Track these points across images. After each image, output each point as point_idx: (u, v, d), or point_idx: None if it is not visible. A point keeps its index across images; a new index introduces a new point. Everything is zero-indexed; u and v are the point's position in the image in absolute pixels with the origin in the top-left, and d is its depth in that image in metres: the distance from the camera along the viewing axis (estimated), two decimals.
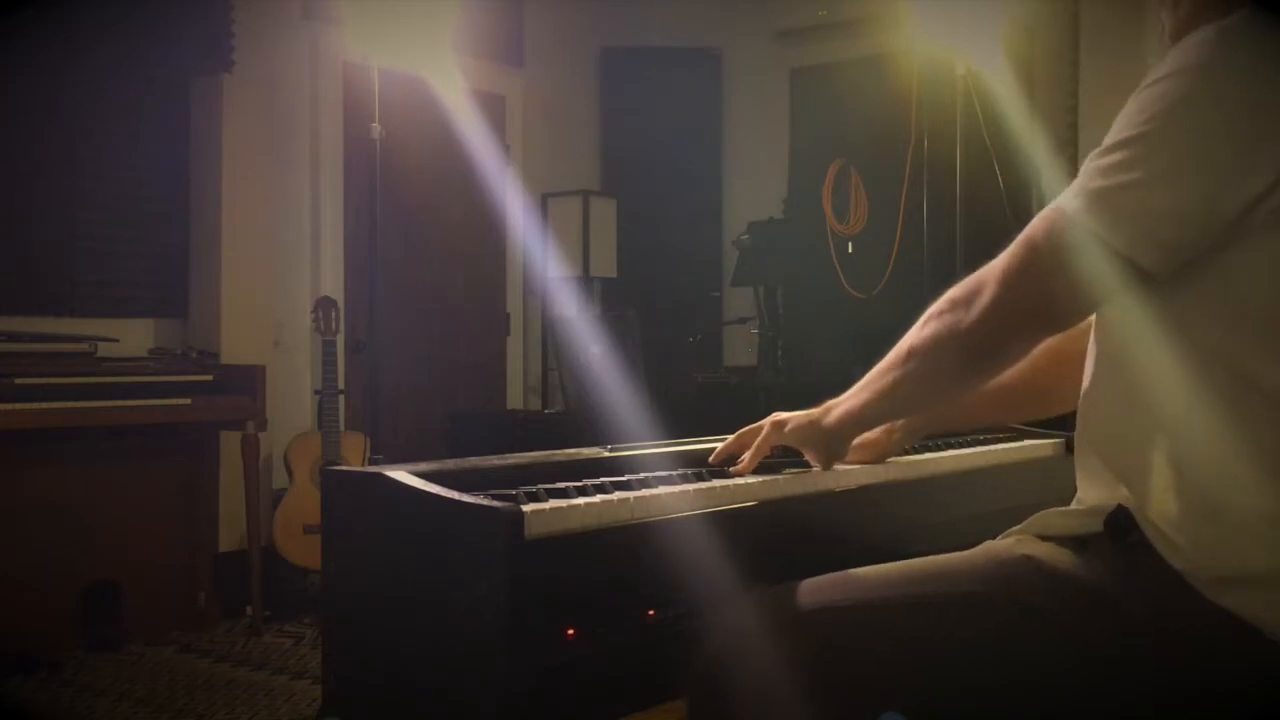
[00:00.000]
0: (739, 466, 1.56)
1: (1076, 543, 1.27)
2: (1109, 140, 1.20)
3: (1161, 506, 1.20)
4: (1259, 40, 1.18)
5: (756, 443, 1.57)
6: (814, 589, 1.35)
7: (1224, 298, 1.17)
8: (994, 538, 1.37)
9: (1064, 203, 1.21)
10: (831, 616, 1.31)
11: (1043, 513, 1.33)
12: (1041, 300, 1.23)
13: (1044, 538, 1.30)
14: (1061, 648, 1.22)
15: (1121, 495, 1.24)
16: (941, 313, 1.30)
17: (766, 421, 1.57)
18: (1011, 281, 1.23)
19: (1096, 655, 1.20)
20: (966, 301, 1.27)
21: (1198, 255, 1.16)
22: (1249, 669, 1.16)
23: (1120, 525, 1.23)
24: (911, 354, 1.34)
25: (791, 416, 1.55)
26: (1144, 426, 1.23)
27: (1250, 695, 1.17)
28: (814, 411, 1.53)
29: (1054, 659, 1.22)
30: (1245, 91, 1.15)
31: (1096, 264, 1.17)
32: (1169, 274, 1.17)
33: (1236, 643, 1.16)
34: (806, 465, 1.59)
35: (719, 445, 1.63)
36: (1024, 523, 1.34)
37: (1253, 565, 1.15)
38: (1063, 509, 1.31)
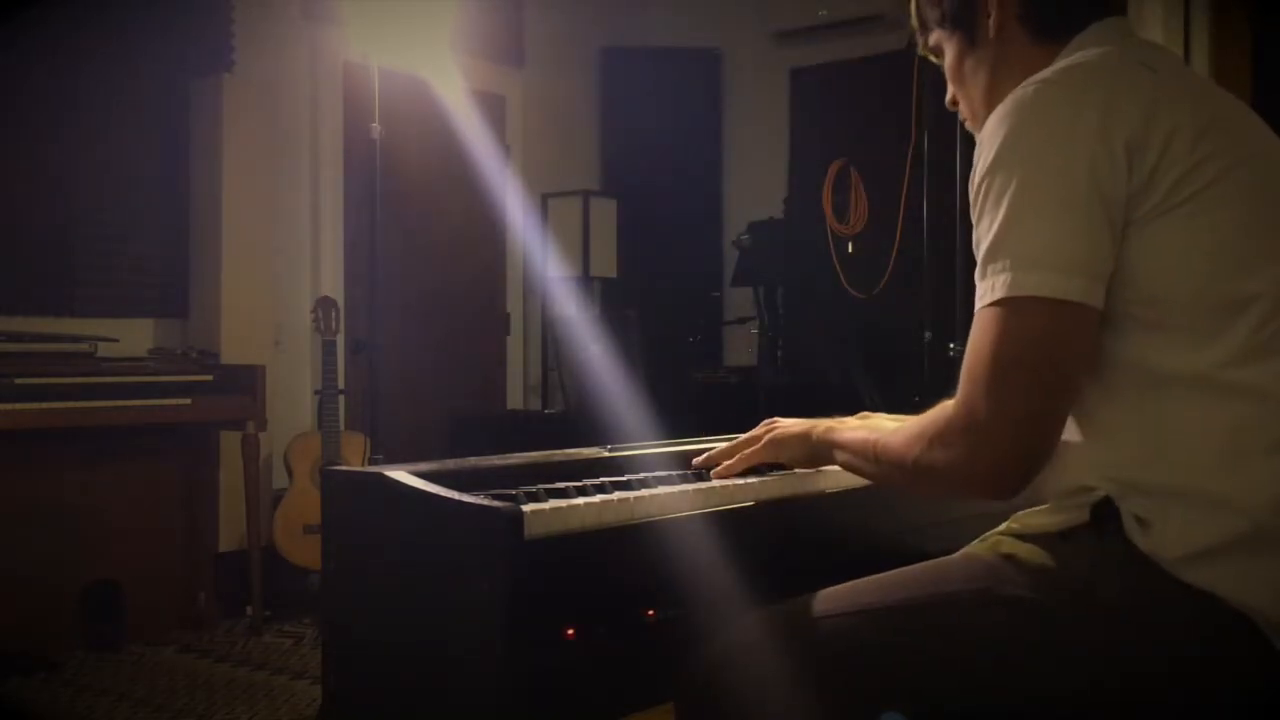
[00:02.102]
0: (719, 469, 1.58)
1: (1055, 538, 1.29)
2: (985, 239, 1.25)
3: (1131, 495, 1.23)
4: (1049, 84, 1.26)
5: (746, 452, 1.59)
6: (808, 601, 1.36)
7: (1131, 298, 1.22)
8: None
9: (985, 300, 1.23)
10: (828, 625, 1.32)
11: (1018, 513, 1.35)
12: (1042, 398, 1.22)
13: (1023, 537, 1.31)
14: (1048, 641, 1.24)
15: (1094, 493, 1.26)
16: (939, 445, 1.27)
17: (764, 439, 1.59)
18: (1008, 399, 1.21)
19: (1083, 645, 1.22)
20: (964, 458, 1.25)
21: (1108, 263, 1.21)
22: (1226, 647, 1.19)
23: (1104, 513, 1.25)
24: (900, 468, 1.35)
25: (786, 435, 1.57)
26: (1104, 433, 1.27)
27: (1230, 674, 1.20)
28: (813, 428, 1.55)
29: (1043, 652, 1.24)
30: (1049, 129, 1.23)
31: (1057, 324, 1.19)
32: (1101, 298, 1.21)
33: (1212, 622, 1.18)
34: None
35: (716, 446, 1.63)
36: (1002, 524, 1.36)
37: (1216, 539, 1.18)
38: (1034, 509, 1.33)
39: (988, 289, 1.22)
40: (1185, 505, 1.20)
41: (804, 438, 1.54)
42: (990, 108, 1.32)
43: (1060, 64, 1.31)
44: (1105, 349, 1.24)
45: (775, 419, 1.62)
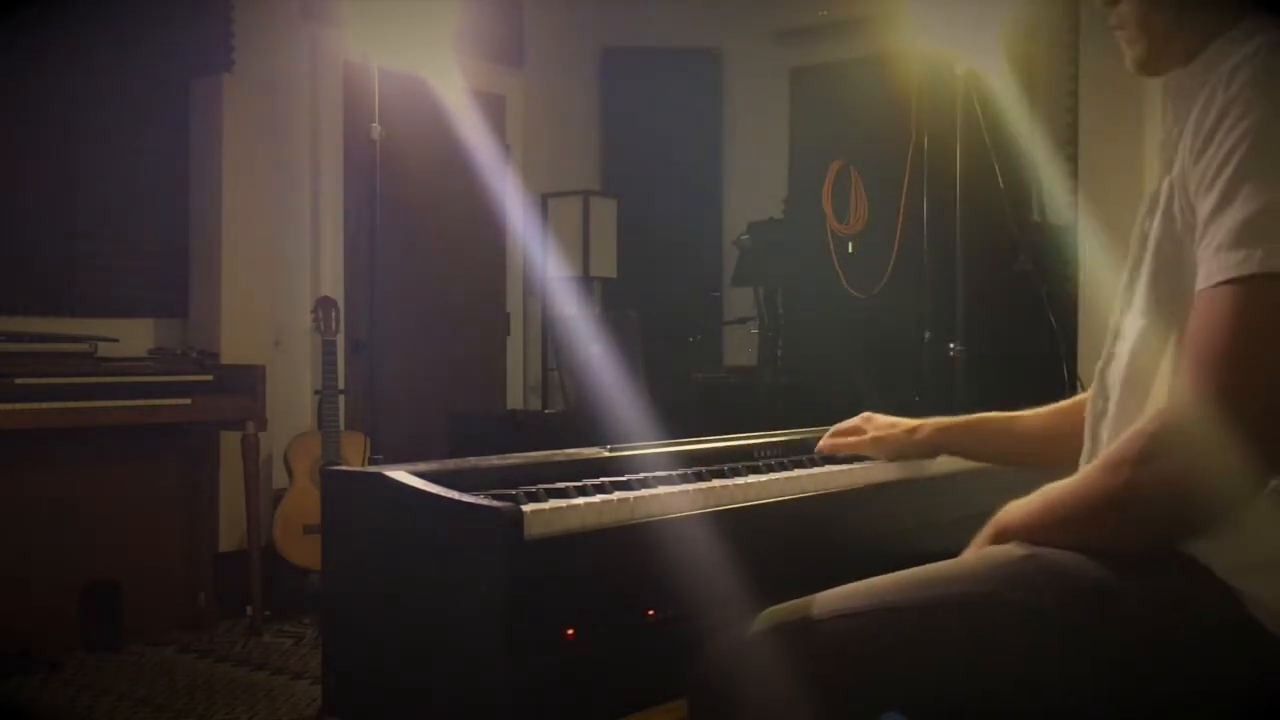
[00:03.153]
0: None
1: None
2: (1212, 197, 1.13)
3: None
4: None
5: (854, 441, 1.69)
6: (819, 601, 1.35)
7: None
8: None
9: (1242, 270, 1.09)
10: (838, 624, 1.30)
11: None
12: None
13: None
14: (1065, 645, 1.21)
15: None
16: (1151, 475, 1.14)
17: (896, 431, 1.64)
18: (1254, 385, 1.07)
19: (1101, 652, 1.20)
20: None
21: None
22: (1255, 663, 1.16)
23: None
24: (1112, 502, 1.18)
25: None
26: None
27: (1255, 688, 1.17)
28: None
29: (1058, 657, 1.21)
30: None
31: None
32: None
33: (1243, 636, 1.16)
34: (793, 466, 1.61)
35: (719, 446, 1.63)
36: None
37: (1267, 553, 1.16)
38: None
39: (1251, 259, 1.07)
40: (1258, 516, 1.16)
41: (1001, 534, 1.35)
42: (1156, 51, 1.25)
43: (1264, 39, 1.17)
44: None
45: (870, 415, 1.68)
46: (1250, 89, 1.13)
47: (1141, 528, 1.19)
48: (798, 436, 1.87)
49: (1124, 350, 1.31)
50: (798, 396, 5.09)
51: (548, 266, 5.70)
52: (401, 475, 1.37)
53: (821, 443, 1.81)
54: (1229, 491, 1.11)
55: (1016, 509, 1.31)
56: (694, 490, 1.47)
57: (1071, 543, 1.23)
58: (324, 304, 4.63)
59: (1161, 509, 1.16)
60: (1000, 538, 1.32)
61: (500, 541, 1.24)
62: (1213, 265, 1.11)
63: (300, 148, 4.99)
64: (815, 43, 5.78)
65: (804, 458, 1.78)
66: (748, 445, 1.79)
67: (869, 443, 1.79)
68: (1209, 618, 1.17)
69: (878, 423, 1.81)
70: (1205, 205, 1.14)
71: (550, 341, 5.69)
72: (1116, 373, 1.32)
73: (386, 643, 1.40)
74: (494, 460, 1.55)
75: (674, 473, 1.54)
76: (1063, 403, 1.65)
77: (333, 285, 5.04)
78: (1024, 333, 4.29)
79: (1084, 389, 1.51)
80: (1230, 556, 1.18)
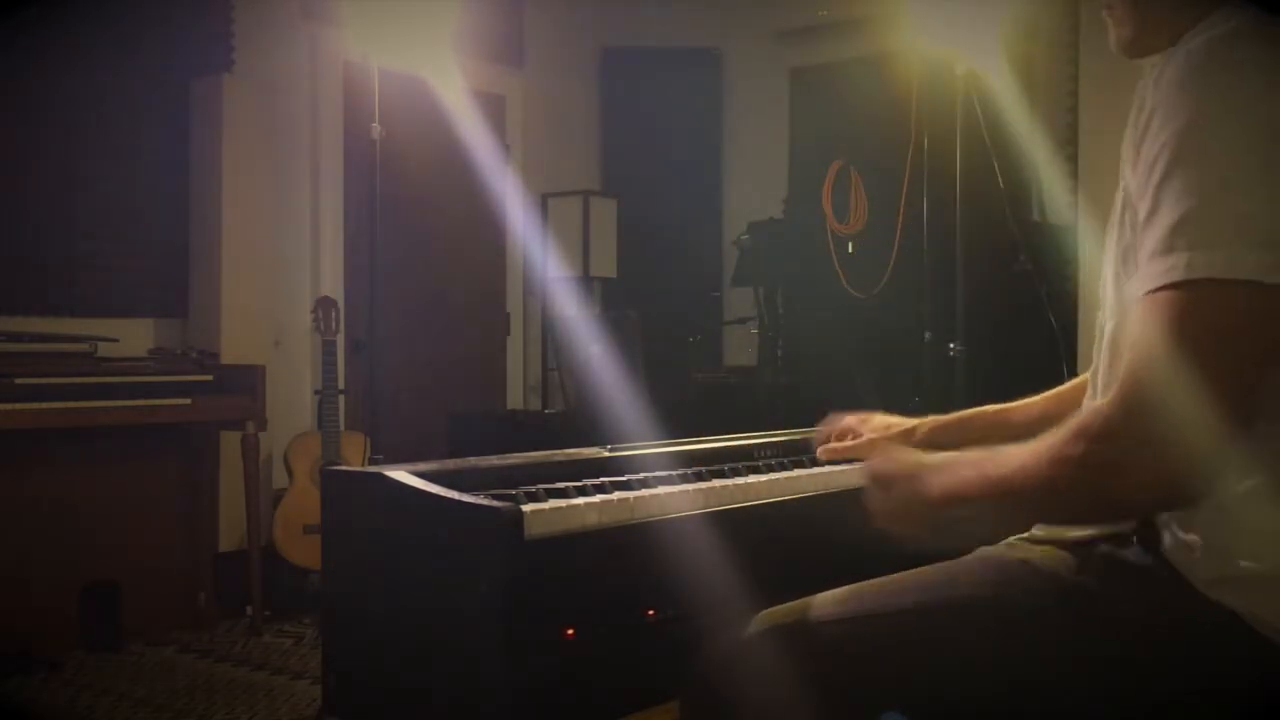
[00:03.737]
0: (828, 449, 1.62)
1: (1074, 546, 1.27)
2: (1144, 204, 1.12)
3: (1183, 513, 1.19)
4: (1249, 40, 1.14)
5: (852, 445, 1.62)
6: (818, 601, 1.35)
7: None
8: (993, 538, 1.37)
9: (1170, 278, 1.08)
10: (836, 628, 1.31)
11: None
12: (1223, 388, 1.06)
13: (1040, 542, 1.30)
14: (1058, 648, 1.22)
15: None
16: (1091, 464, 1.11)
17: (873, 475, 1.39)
18: (1180, 391, 1.06)
19: (1092, 655, 1.21)
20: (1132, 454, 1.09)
21: None
22: (1247, 668, 1.16)
23: (1149, 528, 1.22)
24: (1051, 483, 1.15)
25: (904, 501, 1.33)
26: None
27: (1247, 694, 1.17)
28: (916, 471, 1.32)
29: (1051, 659, 1.22)
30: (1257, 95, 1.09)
31: (1252, 312, 1.05)
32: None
33: (1235, 642, 1.16)
34: (793, 466, 1.61)
35: (719, 446, 1.63)
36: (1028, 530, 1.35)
37: (1267, 566, 1.15)
38: None
39: (1177, 268, 1.07)
40: (1234, 529, 1.16)
41: (919, 502, 1.31)
42: (1143, 33, 1.25)
43: (1232, 25, 1.15)
44: None
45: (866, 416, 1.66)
46: (1176, 91, 1.12)
47: (1070, 516, 1.25)
48: (798, 436, 1.87)
49: (1101, 351, 1.32)
50: (798, 396, 5.09)
51: (548, 266, 5.70)
52: (401, 475, 1.37)
53: (820, 452, 1.76)
54: (1147, 497, 1.12)
55: (936, 476, 1.27)
56: (694, 490, 1.47)
57: (996, 515, 1.27)
58: (324, 304, 4.63)
59: (1088, 504, 1.16)
60: (914, 500, 1.28)
61: (500, 541, 1.24)
62: (1145, 272, 1.11)
63: (300, 148, 4.99)
64: (815, 43, 5.78)
65: (804, 458, 1.78)
66: (748, 445, 1.79)
67: (866, 445, 1.78)
68: (1201, 620, 1.17)
69: (874, 424, 1.80)
70: (1141, 212, 1.14)
71: (550, 341, 5.69)
72: (1098, 372, 1.33)
73: (386, 643, 1.40)
74: (494, 460, 1.55)
75: (674, 473, 1.54)
76: (1060, 388, 1.64)
77: (333, 285, 5.03)
78: (1024, 333, 4.29)
79: None
80: (1206, 571, 1.18)
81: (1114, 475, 1.09)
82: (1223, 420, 1.06)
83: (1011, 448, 1.21)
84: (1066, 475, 1.11)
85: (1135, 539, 1.23)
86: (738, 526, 1.44)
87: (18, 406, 3.63)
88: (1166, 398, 1.06)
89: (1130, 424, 1.08)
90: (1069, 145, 4.70)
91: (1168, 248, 1.08)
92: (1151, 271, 1.09)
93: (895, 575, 1.36)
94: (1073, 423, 1.13)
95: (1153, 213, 1.11)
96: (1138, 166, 1.15)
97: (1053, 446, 1.13)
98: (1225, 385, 1.06)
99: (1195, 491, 1.10)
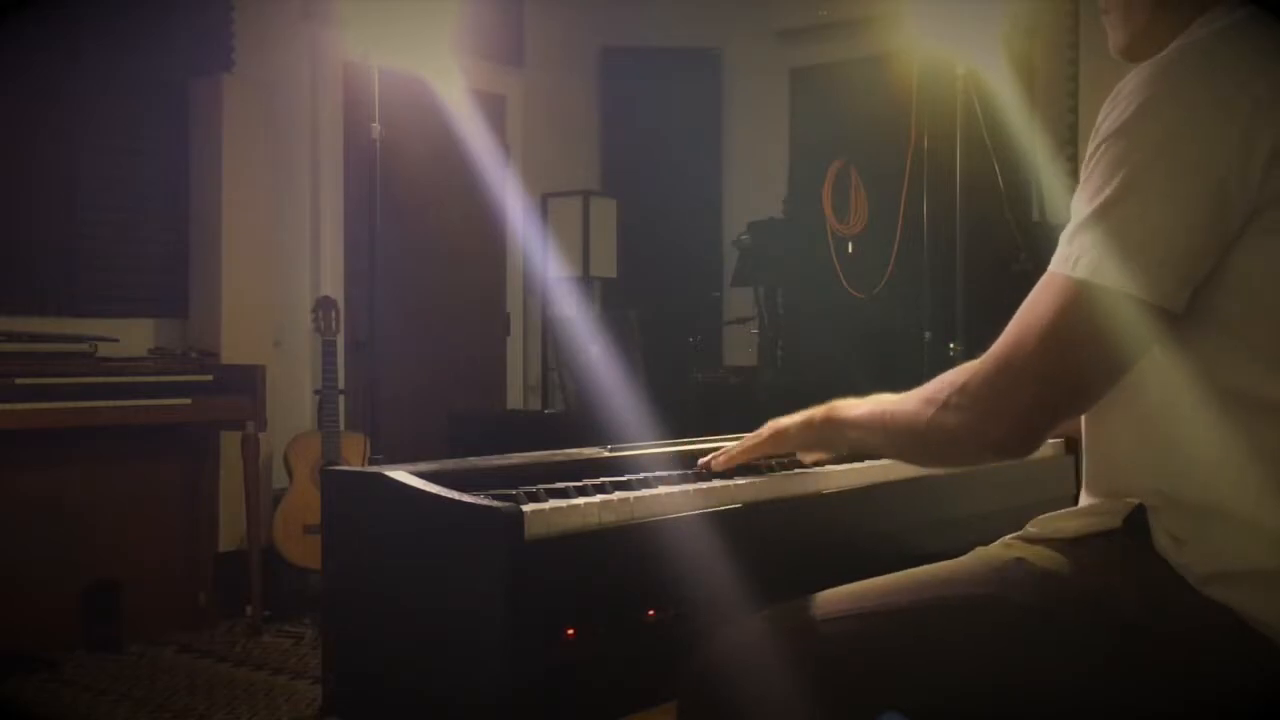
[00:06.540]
0: (720, 459, 1.56)
1: (1069, 544, 1.28)
2: (1085, 204, 1.16)
3: (1171, 509, 1.20)
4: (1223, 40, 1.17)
5: (749, 444, 1.55)
6: (818, 601, 1.35)
7: (1228, 321, 1.15)
8: (992, 538, 1.37)
9: (1063, 269, 1.16)
10: (836, 628, 1.31)
11: (1038, 518, 1.34)
12: (1078, 382, 1.17)
13: (1035, 540, 1.30)
14: (1055, 647, 1.23)
15: (1128, 501, 1.24)
16: (952, 406, 1.23)
17: (767, 433, 1.54)
18: (1047, 372, 1.16)
19: (1090, 653, 1.21)
20: (988, 403, 1.20)
21: (1205, 269, 1.13)
22: (1243, 665, 1.17)
23: (1135, 523, 1.23)
24: (912, 432, 1.30)
25: (788, 424, 1.52)
26: (1156, 443, 1.23)
27: (1244, 691, 1.18)
28: (814, 414, 1.49)
29: (1049, 658, 1.23)
30: (1206, 93, 1.13)
31: (1125, 321, 1.12)
32: (1184, 304, 1.13)
33: (1231, 639, 1.17)
34: (794, 466, 1.60)
35: (719, 446, 1.62)
36: (1023, 529, 1.35)
37: (1256, 562, 1.16)
38: (1057, 513, 1.32)
39: (1070, 260, 1.15)
40: (1223, 526, 1.17)
41: (808, 424, 1.49)
42: (1137, 38, 1.28)
43: (1215, 27, 1.19)
44: (1177, 356, 1.17)
45: (776, 422, 1.60)
46: (1132, 94, 1.15)
47: (934, 459, 1.42)
48: None
49: None
50: (798, 396, 5.07)
51: (548, 266, 5.70)
52: (401, 475, 1.37)
53: (733, 453, 1.63)
54: (972, 456, 1.30)
55: (850, 404, 1.44)
56: (694, 490, 1.47)
57: (879, 451, 1.48)
58: (324, 304, 4.63)
59: (949, 449, 1.28)
60: (825, 424, 1.46)
61: (500, 541, 1.24)
62: (1058, 251, 1.18)
63: (300, 148, 4.99)
64: (815, 43, 5.78)
65: None
66: None
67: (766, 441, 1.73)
68: (1197, 616, 1.18)
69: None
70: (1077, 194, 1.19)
71: (550, 341, 5.69)
72: None
73: (386, 643, 1.39)
74: (494, 460, 1.55)
75: (674, 473, 1.54)
76: None
77: (333, 285, 5.03)
78: None
79: None
80: (1200, 568, 1.19)
81: (959, 429, 1.22)
82: (1064, 414, 1.20)
83: (895, 396, 1.36)
84: (927, 417, 1.25)
85: (1128, 535, 1.24)
86: (738, 527, 1.44)
87: (18, 406, 3.63)
88: (1027, 378, 1.17)
89: (989, 393, 1.20)
90: (1069, 145, 4.70)
91: (1071, 239, 1.16)
92: (1059, 253, 1.17)
93: (894, 575, 1.36)
94: (950, 373, 1.25)
95: (1079, 200, 1.18)
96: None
97: (928, 390, 1.27)
98: (1077, 382, 1.17)
99: (1012, 459, 1.23)
